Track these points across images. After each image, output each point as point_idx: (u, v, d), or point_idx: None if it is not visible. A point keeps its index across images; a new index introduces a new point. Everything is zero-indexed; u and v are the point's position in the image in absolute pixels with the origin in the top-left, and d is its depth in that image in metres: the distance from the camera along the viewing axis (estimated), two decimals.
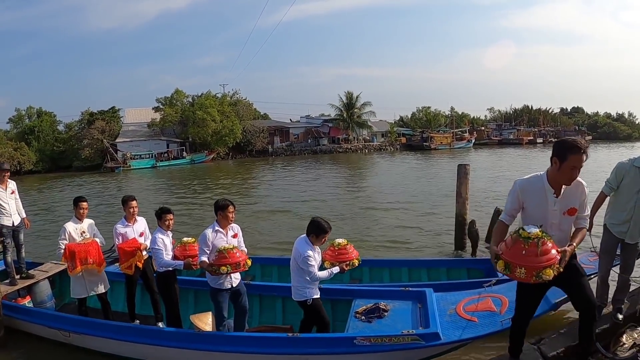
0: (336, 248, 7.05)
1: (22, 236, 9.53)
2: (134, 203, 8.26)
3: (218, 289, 6.85)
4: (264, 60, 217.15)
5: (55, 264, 9.93)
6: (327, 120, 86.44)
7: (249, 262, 6.86)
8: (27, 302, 8.91)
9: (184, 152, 70.24)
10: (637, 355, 5.50)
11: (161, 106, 71.50)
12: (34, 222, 20.01)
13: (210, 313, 7.38)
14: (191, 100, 73.56)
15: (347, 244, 7.13)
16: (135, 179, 49.30)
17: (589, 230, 6.75)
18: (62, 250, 7.84)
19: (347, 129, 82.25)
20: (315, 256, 6.58)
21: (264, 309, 8.33)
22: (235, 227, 7.11)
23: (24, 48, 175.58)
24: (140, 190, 35.54)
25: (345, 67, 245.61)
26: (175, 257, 7.31)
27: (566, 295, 5.28)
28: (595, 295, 6.64)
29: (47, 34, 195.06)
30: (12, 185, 9.40)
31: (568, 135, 70.61)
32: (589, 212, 5.24)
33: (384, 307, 6.73)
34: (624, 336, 5.94)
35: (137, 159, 65.14)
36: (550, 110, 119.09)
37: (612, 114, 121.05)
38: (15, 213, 9.34)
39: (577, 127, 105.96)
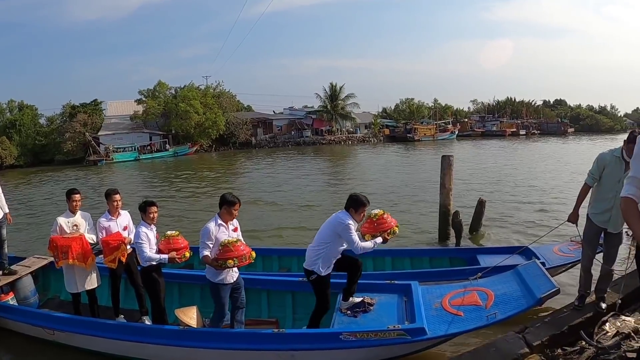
0: (374, 219, 6.89)
1: (4, 232, 9.37)
2: (117, 197, 8.11)
3: (220, 284, 6.71)
4: (248, 51, 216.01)
5: (38, 258, 9.85)
6: (310, 112, 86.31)
7: (254, 255, 6.71)
8: (10, 298, 8.71)
9: (167, 145, 69.82)
10: (621, 343, 5.54)
11: (144, 98, 71.03)
12: (16, 216, 19.91)
13: (195, 307, 7.41)
14: (174, 92, 73.16)
15: (383, 214, 6.98)
16: (118, 172, 49.01)
17: (574, 222, 6.86)
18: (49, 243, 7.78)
19: (330, 120, 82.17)
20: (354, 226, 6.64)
21: (248, 303, 8.19)
22: (235, 222, 7.00)
23: (4, 40, 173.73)
24: (124, 184, 35.44)
25: (329, 59, 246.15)
26: (159, 251, 7.17)
27: (552, 290, 5.77)
28: (579, 285, 6.77)
29: (28, 25, 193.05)
30: None
31: (551, 127, 71.33)
32: None
33: (369, 302, 6.74)
34: (607, 324, 5.99)
35: (119, 151, 64.71)
36: (533, 103, 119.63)
37: (594, 107, 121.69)
38: None
39: (559, 119, 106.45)
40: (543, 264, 7.43)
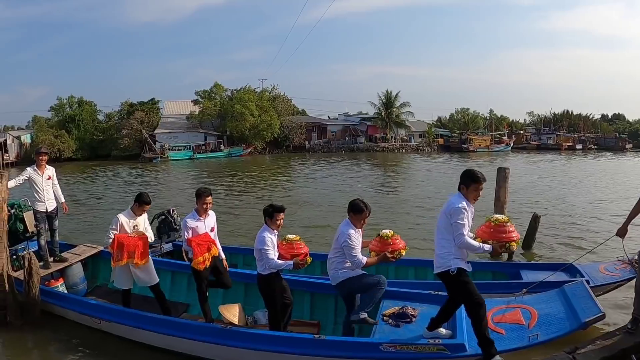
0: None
1: (56, 222, 9.69)
2: (209, 198, 7.62)
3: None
4: (302, 56, 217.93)
5: (88, 246, 10.11)
6: (365, 118, 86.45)
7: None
8: (59, 284, 8.98)
9: (222, 145, 70.86)
10: None
11: (200, 99, 72.28)
12: (72, 207, 20.32)
13: (238, 305, 7.43)
14: (230, 94, 74.22)
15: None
16: (172, 169, 49.90)
17: (622, 237, 6.60)
18: (111, 240, 7.65)
19: (385, 128, 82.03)
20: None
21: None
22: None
23: (65, 38, 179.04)
24: (178, 181, 36.07)
25: (383, 66, 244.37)
26: (281, 256, 7.01)
27: (598, 315, 5.64)
28: (633, 308, 6.49)
29: (87, 25, 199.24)
30: (49, 171, 9.49)
31: (608, 142, 69.75)
32: None
33: (412, 312, 6.61)
34: None
35: (174, 150, 65.90)
36: (590, 116, 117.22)
37: None
38: (50, 199, 9.49)
39: (617, 134, 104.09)
40: (587, 282, 7.17)
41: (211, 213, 7.86)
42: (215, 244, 7.60)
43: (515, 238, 6.12)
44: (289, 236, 7.39)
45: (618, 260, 8.66)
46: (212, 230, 7.78)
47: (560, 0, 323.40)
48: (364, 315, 6.49)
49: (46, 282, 8.81)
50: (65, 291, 8.95)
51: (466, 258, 5.95)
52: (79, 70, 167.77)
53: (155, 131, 69.09)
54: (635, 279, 6.68)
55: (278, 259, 6.80)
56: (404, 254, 6.99)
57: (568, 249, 13.56)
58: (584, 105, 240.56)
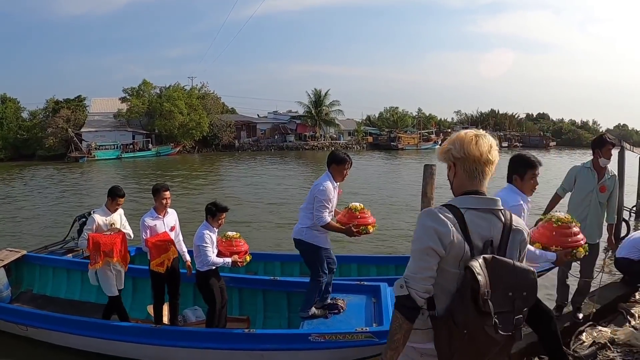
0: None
1: None
2: (167, 193, 7.30)
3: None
4: (234, 54, 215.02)
5: (11, 251, 9.83)
6: (294, 117, 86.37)
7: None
8: None
9: (150, 144, 69.69)
10: (597, 352, 5.66)
11: (128, 97, 70.72)
12: None
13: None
14: (159, 92, 72.94)
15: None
16: (99, 170, 48.84)
17: None
18: (86, 241, 7.08)
19: (314, 126, 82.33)
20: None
21: None
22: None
23: None
24: (105, 182, 35.25)
25: (314, 65, 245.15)
26: (220, 254, 6.92)
27: None
28: (556, 295, 6.88)
29: (10, 17, 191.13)
30: None
31: (533, 140, 71.42)
32: None
33: (341, 304, 6.78)
34: (584, 335, 6.08)
35: (102, 149, 64.35)
36: (516, 115, 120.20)
37: (576, 122, 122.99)
38: None
39: (542, 133, 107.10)
40: None
41: (171, 211, 7.54)
42: (174, 244, 7.27)
43: (583, 242, 4.94)
44: (229, 233, 7.21)
45: None
46: (172, 229, 7.43)
47: (489, 5, 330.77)
48: (312, 311, 6.59)
49: None
50: None
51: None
52: (2, 65, 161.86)
53: (82, 130, 67.13)
54: (557, 269, 6.95)
55: (217, 256, 6.81)
56: (371, 231, 6.68)
57: None
58: (510, 105, 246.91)
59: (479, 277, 2.32)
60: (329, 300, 6.86)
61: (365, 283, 7.27)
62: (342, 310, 6.67)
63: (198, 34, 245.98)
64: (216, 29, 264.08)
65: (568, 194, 6.78)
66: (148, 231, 7.11)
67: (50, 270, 9.69)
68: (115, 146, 65.96)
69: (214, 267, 6.79)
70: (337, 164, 6.40)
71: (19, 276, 9.89)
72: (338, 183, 6.53)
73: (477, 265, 2.36)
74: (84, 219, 10.28)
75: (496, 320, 2.35)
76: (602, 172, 6.38)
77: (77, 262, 9.34)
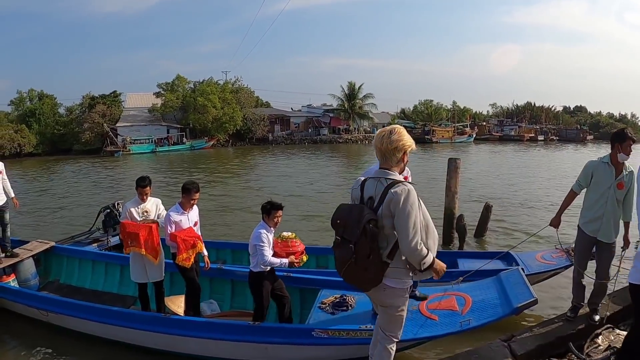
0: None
1: (7, 216, 9.62)
2: (197, 195, 7.39)
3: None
4: (267, 48, 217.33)
5: (40, 242, 10.07)
6: (328, 110, 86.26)
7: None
8: (11, 280, 8.91)
9: (184, 138, 70.18)
10: (610, 357, 5.44)
11: (162, 91, 71.45)
12: (27, 202, 20.16)
13: (182, 296, 7.50)
14: (192, 87, 73.55)
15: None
16: (134, 163, 49.30)
17: (556, 227, 6.81)
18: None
19: (348, 119, 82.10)
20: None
21: (235, 294, 8.49)
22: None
23: (25, 30, 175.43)
24: (139, 175, 35.66)
25: (347, 58, 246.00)
26: (276, 254, 6.87)
27: (530, 300, 5.51)
28: (572, 296, 6.68)
29: (48, 16, 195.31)
30: None
31: (570, 134, 70.35)
32: None
33: (350, 301, 6.72)
34: (600, 338, 5.87)
35: (136, 143, 65.15)
36: (552, 108, 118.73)
37: (614, 115, 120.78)
38: (1, 193, 9.42)
39: (579, 126, 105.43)
40: (522, 269, 7.33)
41: (194, 207, 7.60)
42: (201, 240, 7.40)
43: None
44: (285, 234, 7.20)
45: (556, 248, 8.90)
46: (195, 224, 7.54)
47: None
48: None
49: None
50: (17, 287, 8.92)
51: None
52: (39, 63, 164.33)
53: (117, 124, 68.03)
54: (573, 269, 6.81)
55: (273, 256, 6.77)
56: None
57: (517, 237, 13.78)
58: (546, 98, 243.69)
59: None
60: (338, 297, 6.85)
61: None
62: (350, 308, 6.62)
63: (231, 30, 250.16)
64: (248, 23, 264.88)
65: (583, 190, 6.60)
66: (173, 226, 7.17)
67: (76, 261, 9.92)
68: (150, 140, 66.64)
69: (268, 268, 6.72)
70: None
71: (48, 266, 10.16)
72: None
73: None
74: (107, 210, 10.43)
75: (336, 241, 4.19)
76: (620, 167, 6.17)
77: (102, 254, 9.60)
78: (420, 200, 4.14)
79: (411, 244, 3.95)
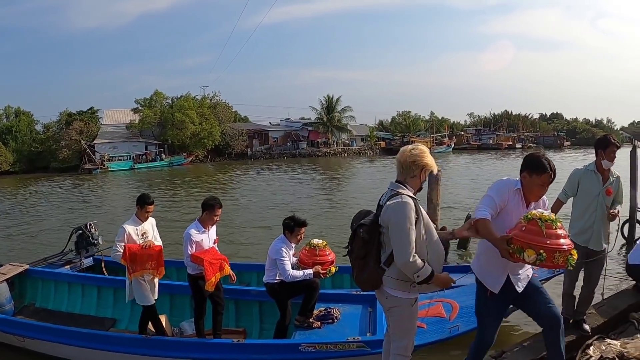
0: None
1: None
2: (220, 211, 6.88)
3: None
4: (246, 62, 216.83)
5: (14, 265, 9.80)
6: (306, 123, 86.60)
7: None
8: None
9: (163, 155, 70.10)
10: None
11: (140, 107, 71.27)
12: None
13: (164, 316, 7.40)
14: (170, 102, 73.49)
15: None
16: (112, 181, 48.89)
17: None
18: (120, 253, 6.77)
19: (326, 132, 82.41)
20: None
21: None
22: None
23: (2, 45, 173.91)
24: (118, 193, 35.48)
25: (325, 70, 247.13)
26: (301, 261, 6.79)
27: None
28: (561, 308, 6.57)
29: (27, 32, 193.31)
30: None
31: (547, 141, 71.19)
32: None
33: (336, 314, 6.65)
34: (591, 348, 5.77)
35: (114, 160, 64.92)
36: (529, 116, 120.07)
37: (590, 120, 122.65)
38: None
39: (556, 133, 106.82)
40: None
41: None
42: (228, 262, 6.95)
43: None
44: (315, 241, 6.94)
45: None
46: (215, 242, 7.06)
47: (499, 6, 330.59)
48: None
49: None
50: None
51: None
52: (16, 80, 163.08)
53: (95, 141, 67.78)
54: (563, 281, 6.65)
55: (299, 264, 6.72)
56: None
57: None
58: (523, 106, 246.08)
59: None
60: (322, 310, 6.78)
61: (362, 292, 7.09)
62: (336, 320, 6.56)
63: (212, 43, 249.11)
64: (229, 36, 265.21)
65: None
66: (194, 246, 6.69)
67: (52, 283, 9.63)
68: (128, 157, 66.45)
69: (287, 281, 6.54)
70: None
71: (22, 290, 9.86)
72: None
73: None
74: (80, 232, 10.20)
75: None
76: (606, 174, 6.12)
77: (78, 275, 9.33)
78: (422, 214, 4.22)
79: (401, 255, 3.99)
